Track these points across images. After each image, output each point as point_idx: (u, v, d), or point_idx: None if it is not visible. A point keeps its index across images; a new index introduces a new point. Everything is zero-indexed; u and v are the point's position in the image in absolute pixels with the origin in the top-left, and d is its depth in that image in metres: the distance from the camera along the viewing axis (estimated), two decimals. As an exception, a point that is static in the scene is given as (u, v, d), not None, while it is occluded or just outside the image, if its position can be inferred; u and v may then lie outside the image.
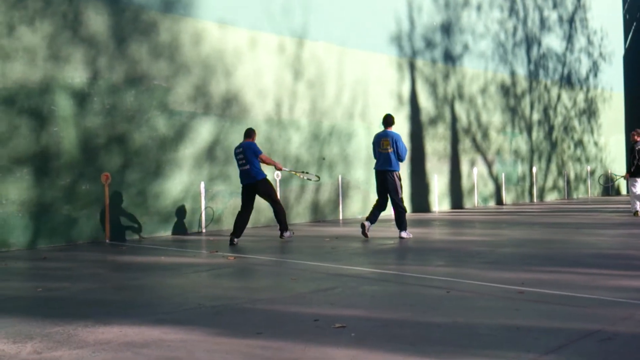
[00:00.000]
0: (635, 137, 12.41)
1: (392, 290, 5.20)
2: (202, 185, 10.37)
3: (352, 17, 12.97)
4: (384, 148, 8.63)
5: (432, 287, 5.15)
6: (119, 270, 6.50)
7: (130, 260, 7.23)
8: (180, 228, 10.10)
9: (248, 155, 8.51)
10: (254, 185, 8.55)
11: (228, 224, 10.71)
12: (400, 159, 8.62)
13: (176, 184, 10.03)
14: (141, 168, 9.59)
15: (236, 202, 10.82)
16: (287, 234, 8.81)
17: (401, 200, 8.66)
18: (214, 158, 10.56)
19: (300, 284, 5.40)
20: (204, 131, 10.42)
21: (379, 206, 8.84)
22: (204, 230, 10.38)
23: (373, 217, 8.79)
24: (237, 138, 10.86)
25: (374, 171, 9.04)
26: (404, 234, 8.69)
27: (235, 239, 8.37)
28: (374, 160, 8.97)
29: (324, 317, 4.08)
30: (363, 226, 8.70)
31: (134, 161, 9.50)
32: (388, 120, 8.83)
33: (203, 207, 10.37)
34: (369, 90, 13.27)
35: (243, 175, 8.62)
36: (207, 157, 10.46)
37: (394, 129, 9.00)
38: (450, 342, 3.50)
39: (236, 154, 8.74)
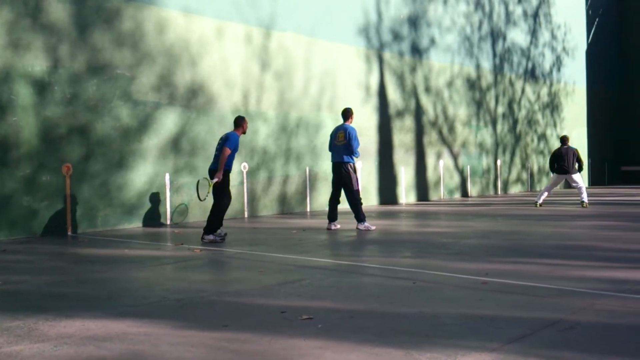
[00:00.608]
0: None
1: (359, 282, 5.22)
2: (167, 176, 10.23)
3: (320, 7, 12.92)
4: (340, 140, 8.76)
5: (399, 279, 5.19)
6: (81, 263, 6.37)
7: (93, 252, 7.09)
8: (144, 220, 9.95)
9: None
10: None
11: (194, 216, 10.61)
12: (352, 152, 8.69)
13: (140, 176, 9.87)
14: (104, 159, 9.40)
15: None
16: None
17: (357, 192, 8.73)
18: (179, 149, 10.42)
19: (267, 276, 5.38)
20: (168, 122, 10.27)
21: (334, 199, 8.99)
22: (169, 222, 10.26)
23: (332, 215, 8.98)
24: (203, 129, 10.75)
25: (330, 162, 9.12)
26: (361, 226, 8.79)
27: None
28: (331, 151, 9.07)
29: (291, 309, 4.08)
30: (329, 228, 8.94)
31: (96, 152, 9.31)
32: (345, 114, 9.00)
33: (168, 199, 10.24)
34: (337, 81, 13.26)
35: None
36: (172, 148, 10.32)
37: (355, 122, 9.09)
38: (416, 332, 3.53)
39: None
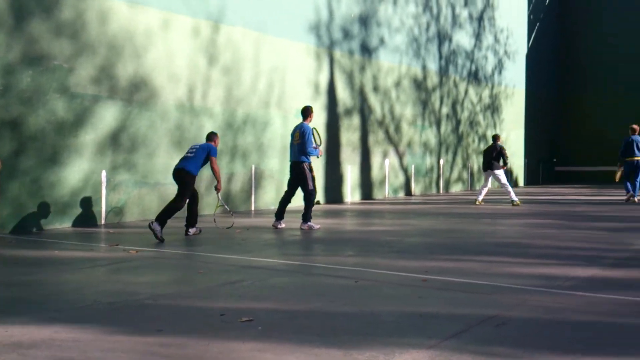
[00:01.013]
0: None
1: (301, 282, 5.19)
2: (104, 174, 9.90)
3: (270, 3, 12.81)
4: (296, 140, 8.76)
5: (341, 277, 5.19)
6: (8, 265, 6.03)
7: (21, 254, 6.74)
8: (78, 220, 9.59)
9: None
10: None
11: (131, 216, 10.32)
12: (304, 152, 8.66)
13: (75, 173, 9.51)
14: (37, 154, 8.99)
15: (140, 193, 10.46)
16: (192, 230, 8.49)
17: (312, 191, 8.72)
18: (118, 145, 10.11)
19: (207, 277, 5.28)
20: (107, 116, 9.95)
21: (286, 198, 8.99)
22: (104, 222, 9.94)
23: (280, 213, 8.97)
24: (144, 124, 10.48)
25: (289, 161, 9.12)
26: (304, 225, 8.81)
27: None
28: (289, 150, 9.07)
29: (231, 311, 4.00)
30: (275, 226, 8.91)
31: (28, 147, 8.90)
32: (304, 113, 9.02)
33: (104, 198, 9.93)
34: (286, 78, 13.19)
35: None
36: (110, 144, 9.99)
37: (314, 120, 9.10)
38: (357, 331, 3.52)
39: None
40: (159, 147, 10.70)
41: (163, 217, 7.79)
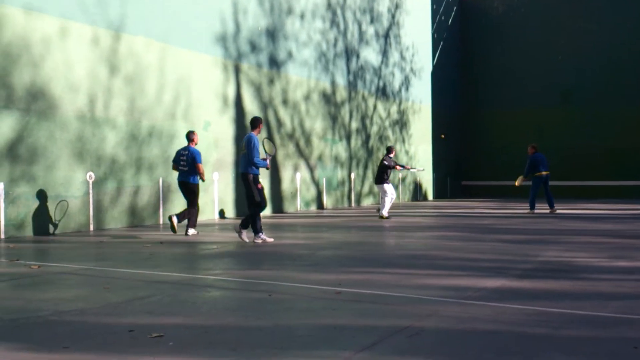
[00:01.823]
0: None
1: (214, 296, 5.07)
2: (1, 186, 9.30)
3: (174, 13, 12.57)
4: (242, 150, 8.71)
5: (254, 291, 5.12)
6: None
7: None
8: (-27, 234, 8.95)
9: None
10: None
11: (31, 230, 9.74)
12: (251, 162, 8.56)
13: (-31, 185, 8.88)
14: None
15: (41, 206, 9.90)
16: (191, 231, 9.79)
17: (259, 202, 8.59)
18: (16, 157, 9.53)
19: (114, 293, 5.04)
20: (4, 127, 9.36)
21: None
22: (2, 237, 9.32)
23: (246, 222, 8.74)
24: (43, 135, 9.94)
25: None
26: (257, 239, 8.69)
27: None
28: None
29: (140, 327, 3.84)
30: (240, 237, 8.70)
31: None
32: (252, 123, 8.92)
33: (2, 211, 9.30)
34: (193, 90, 12.96)
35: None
36: (7, 155, 9.41)
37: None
38: (271, 344, 3.48)
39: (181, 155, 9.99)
40: (59, 159, 10.19)
41: (191, 221, 9.83)
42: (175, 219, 9.56)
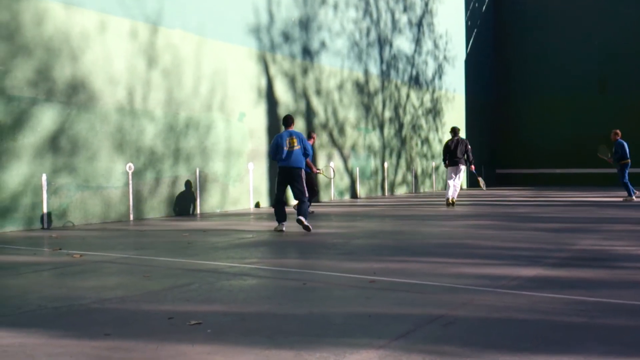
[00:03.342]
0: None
1: (250, 284, 5.16)
2: (44, 177, 9.59)
3: (209, 6, 12.70)
4: (295, 145, 8.86)
5: (289, 280, 5.20)
6: (-56, 272, 5.80)
7: (-42, 260, 6.49)
8: (20, 224, 9.26)
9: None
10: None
11: (73, 219, 10.03)
12: (306, 155, 8.97)
13: (14, 176, 9.18)
14: (-28, 158, 8.64)
15: (82, 196, 10.18)
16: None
17: (309, 192, 9.34)
18: (57, 148, 9.81)
19: (153, 281, 5.19)
20: (46, 119, 9.64)
21: (279, 201, 9.02)
22: (46, 226, 9.63)
23: (283, 217, 8.95)
24: (84, 127, 10.21)
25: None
26: (306, 222, 8.85)
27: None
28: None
29: (179, 315, 3.95)
30: (281, 230, 8.90)
31: (-37, 150, 8.55)
32: (288, 121, 9.07)
33: (45, 201, 9.60)
34: (228, 81, 13.10)
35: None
36: (50, 147, 9.70)
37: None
38: (306, 332, 3.54)
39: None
40: (99, 150, 10.44)
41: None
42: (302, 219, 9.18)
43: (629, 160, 14.29)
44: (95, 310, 4.14)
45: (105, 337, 3.47)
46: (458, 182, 13.33)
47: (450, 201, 13.20)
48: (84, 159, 10.17)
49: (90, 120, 10.31)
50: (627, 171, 14.28)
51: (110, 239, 8.33)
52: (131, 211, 11.00)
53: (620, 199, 14.71)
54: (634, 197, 14.28)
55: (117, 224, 10.31)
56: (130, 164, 10.96)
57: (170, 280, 5.19)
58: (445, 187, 13.18)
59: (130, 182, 10.96)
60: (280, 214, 8.98)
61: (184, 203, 12.09)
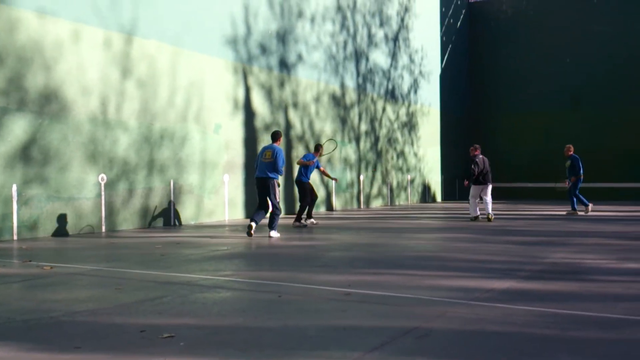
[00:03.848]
0: (474, 151, 13.55)
1: (224, 297, 5.12)
2: (14, 188, 9.41)
3: (186, 17, 12.67)
4: (267, 158, 9.69)
5: (264, 292, 5.16)
6: None
7: None
8: (-13, 235, 9.06)
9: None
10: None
11: (44, 231, 9.85)
12: (275, 169, 9.66)
13: (-17, 187, 8.99)
14: (-60, 168, 8.44)
15: (54, 207, 10.01)
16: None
17: (278, 204, 9.78)
18: (29, 159, 9.65)
19: (125, 293, 5.11)
20: (17, 129, 9.48)
21: (261, 208, 9.86)
22: (16, 238, 9.43)
23: (257, 217, 9.71)
24: (56, 137, 10.06)
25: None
26: (273, 234, 9.76)
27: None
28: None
29: (152, 328, 3.89)
30: (249, 227, 9.57)
31: None
32: (275, 136, 10.10)
33: (15, 212, 9.41)
34: (204, 93, 13.05)
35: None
36: (21, 157, 9.53)
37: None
38: (281, 345, 3.52)
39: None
40: (72, 161, 10.30)
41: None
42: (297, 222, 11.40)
43: (582, 175, 14.68)
44: (65, 323, 4.06)
45: (75, 350, 3.41)
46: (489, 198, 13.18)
47: (489, 217, 12.91)
48: (56, 170, 10.01)
49: (62, 131, 10.17)
50: (579, 185, 14.67)
51: (82, 250, 8.19)
52: (103, 223, 10.84)
53: (582, 213, 14.96)
54: (577, 212, 14.65)
55: (88, 235, 10.15)
56: (103, 175, 10.82)
57: (143, 293, 5.12)
58: (472, 204, 13.25)
59: (103, 193, 10.82)
60: (253, 214, 9.80)
61: (157, 215, 11.96)
